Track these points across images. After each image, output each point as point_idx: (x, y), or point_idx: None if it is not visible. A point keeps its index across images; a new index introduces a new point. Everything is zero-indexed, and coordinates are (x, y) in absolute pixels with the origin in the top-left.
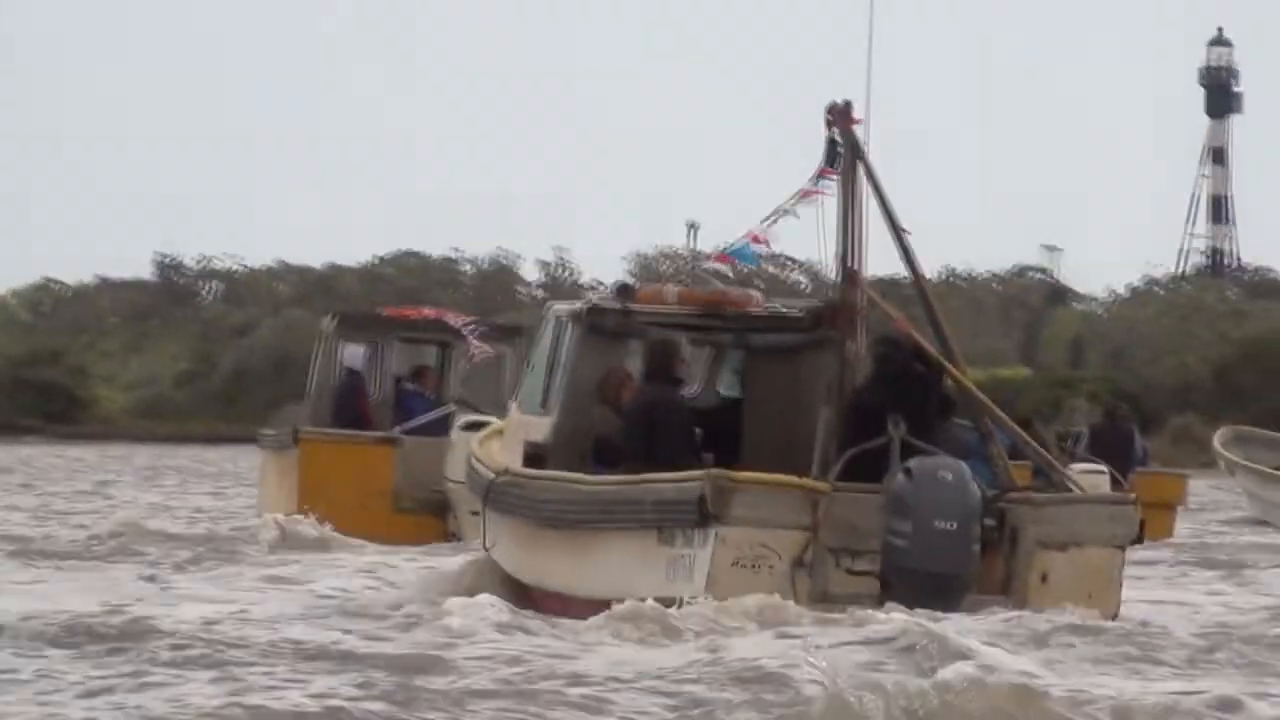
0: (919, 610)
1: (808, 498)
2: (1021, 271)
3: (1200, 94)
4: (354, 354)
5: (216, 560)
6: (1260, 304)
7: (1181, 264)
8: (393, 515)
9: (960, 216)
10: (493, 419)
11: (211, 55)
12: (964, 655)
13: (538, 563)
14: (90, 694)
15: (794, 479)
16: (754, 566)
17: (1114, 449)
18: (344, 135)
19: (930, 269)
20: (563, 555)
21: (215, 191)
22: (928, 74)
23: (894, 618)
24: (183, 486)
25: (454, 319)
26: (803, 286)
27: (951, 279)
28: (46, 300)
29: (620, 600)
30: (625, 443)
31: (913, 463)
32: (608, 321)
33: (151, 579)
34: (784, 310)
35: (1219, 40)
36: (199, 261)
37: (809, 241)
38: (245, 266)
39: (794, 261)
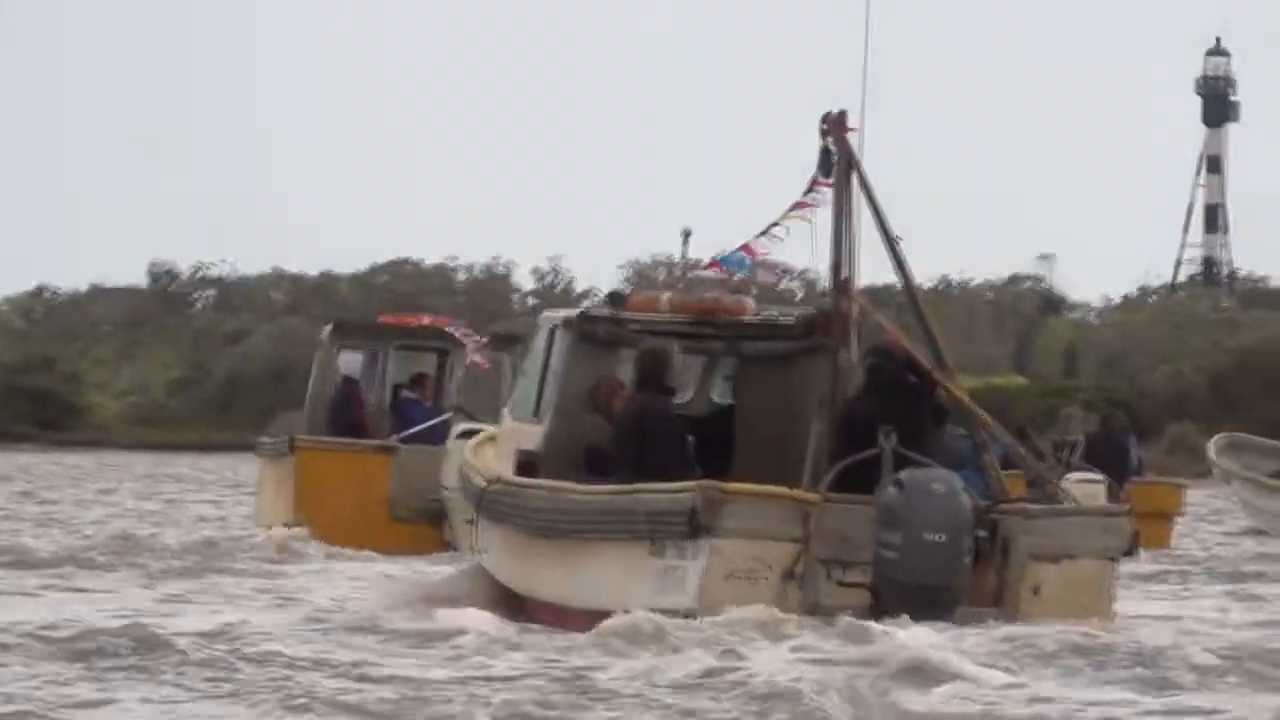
0: (917, 623)
1: (799, 509)
2: (1015, 280)
3: (1197, 103)
4: (350, 362)
5: (213, 571)
6: (1254, 313)
7: (1176, 273)
8: (388, 524)
9: (955, 225)
10: (488, 427)
11: (207, 62)
12: (965, 678)
13: (530, 572)
14: (88, 705)
15: (785, 490)
16: (745, 578)
17: (1109, 458)
18: (338, 142)
19: (924, 277)
20: (554, 565)
21: (209, 199)
22: (924, 80)
23: (897, 634)
24: (182, 494)
25: (452, 327)
26: (796, 295)
27: (945, 287)
28: (40, 307)
29: (612, 611)
30: (616, 451)
31: (903, 474)
32: (599, 329)
33: (150, 590)
34: (776, 318)
35: (1216, 50)
36: (193, 269)
37: (802, 250)
38: (239, 274)
39: (787, 270)
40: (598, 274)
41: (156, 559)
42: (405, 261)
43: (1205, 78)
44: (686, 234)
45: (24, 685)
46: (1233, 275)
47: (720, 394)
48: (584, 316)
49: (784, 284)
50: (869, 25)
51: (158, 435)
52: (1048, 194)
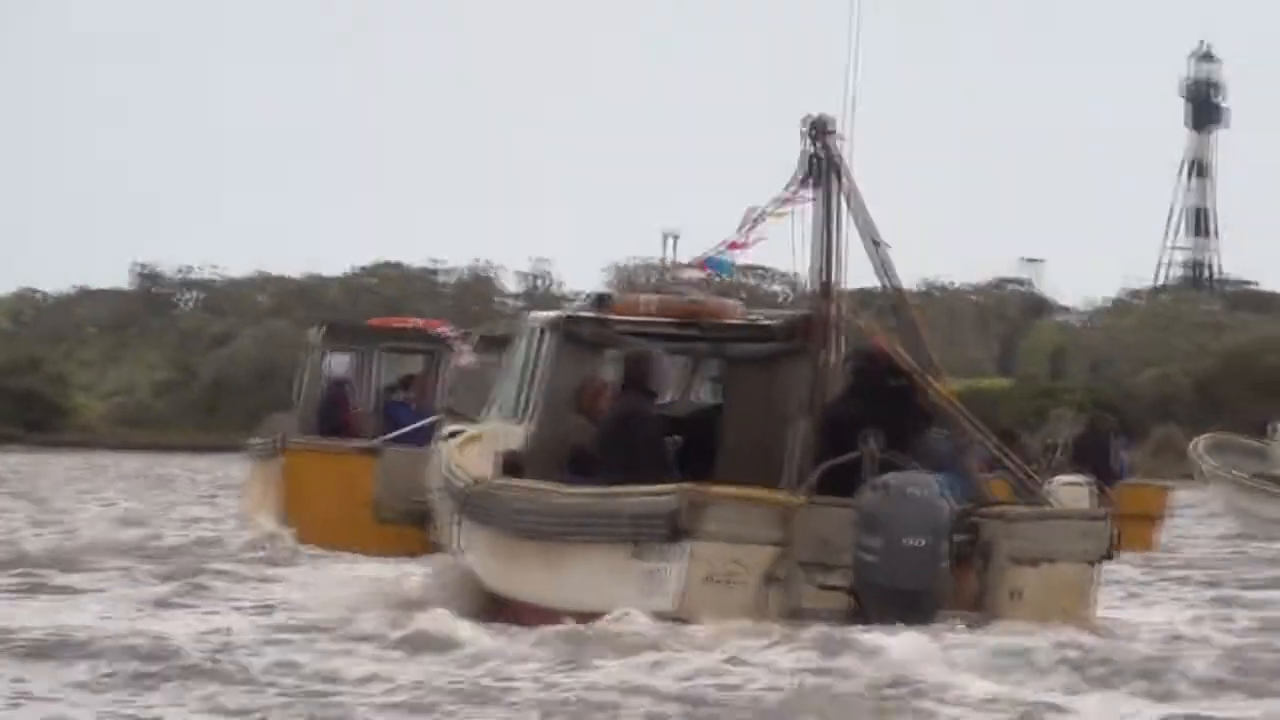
0: (903, 632)
1: (780, 512)
2: (1000, 283)
3: (1184, 107)
4: (339, 364)
5: (200, 572)
6: (1240, 316)
7: (1161, 276)
8: (374, 525)
9: (940, 228)
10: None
11: (190, 65)
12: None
13: (512, 573)
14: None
15: (766, 493)
16: (726, 581)
17: (1096, 460)
18: (324, 144)
19: (909, 281)
20: (537, 566)
21: (194, 201)
22: (910, 83)
23: (890, 644)
24: (171, 495)
25: (442, 329)
26: (782, 298)
27: (930, 290)
28: (26, 309)
29: (594, 613)
30: (600, 453)
31: (883, 478)
32: (585, 331)
33: (137, 592)
34: (761, 320)
35: (1203, 54)
36: (178, 271)
37: (787, 253)
38: (224, 276)
39: (773, 272)
40: (583, 277)
41: (144, 561)
42: (390, 264)
43: (1192, 82)
44: (671, 237)
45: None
46: (1220, 278)
47: (704, 395)
48: (570, 318)
49: (769, 286)
50: (855, 29)
51: (144, 436)
52: (1033, 197)
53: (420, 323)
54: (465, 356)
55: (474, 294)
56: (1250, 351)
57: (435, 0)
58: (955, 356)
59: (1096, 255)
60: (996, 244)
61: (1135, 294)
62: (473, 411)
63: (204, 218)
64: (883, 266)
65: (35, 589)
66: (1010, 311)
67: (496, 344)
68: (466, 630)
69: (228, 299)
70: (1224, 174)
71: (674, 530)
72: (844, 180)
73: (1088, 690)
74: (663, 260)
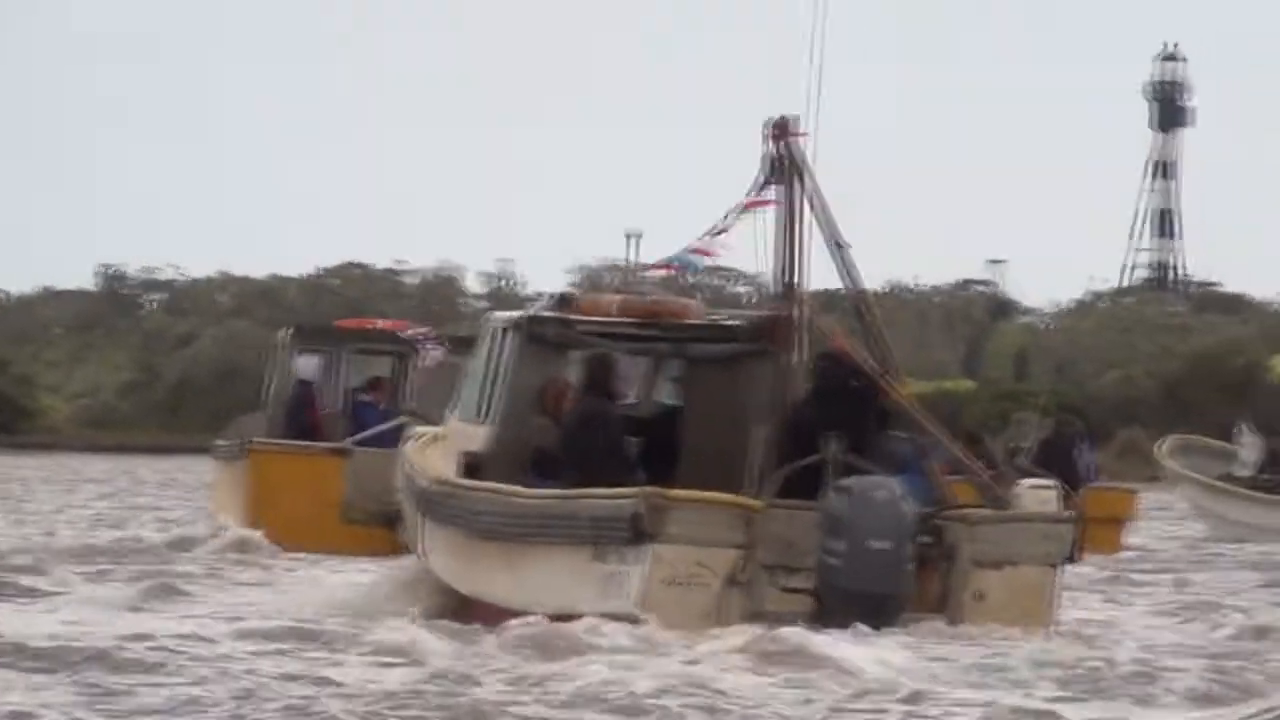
0: (863, 641)
1: (742, 516)
2: (965, 285)
3: (1149, 108)
4: (305, 365)
5: (169, 577)
6: (1205, 318)
7: (1126, 277)
8: (342, 526)
9: (905, 230)
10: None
11: (154, 67)
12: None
13: (474, 574)
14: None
15: (729, 497)
16: (687, 584)
17: (1060, 463)
18: (287, 144)
19: (874, 282)
20: (499, 567)
21: (159, 201)
22: (873, 85)
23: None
24: (144, 496)
25: (410, 331)
26: (746, 299)
27: (896, 292)
28: None
29: (556, 614)
30: (562, 455)
31: (847, 481)
32: (547, 331)
33: (106, 595)
34: (723, 321)
35: (1168, 55)
36: (142, 272)
37: (751, 254)
38: (187, 276)
39: (739, 275)
40: (547, 278)
41: (112, 563)
42: (354, 265)
43: (1157, 83)
44: (634, 237)
45: None
46: (1185, 280)
47: (667, 396)
48: (532, 319)
49: (733, 288)
50: (818, 29)
51: (109, 437)
52: (998, 199)
53: (388, 324)
54: (432, 358)
55: (438, 294)
56: (1216, 354)
57: (392, 3)
58: (921, 358)
59: (1061, 257)
60: (961, 245)
61: (1100, 296)
62: (439, 413)
63: (168, 218)
64: (845, 268)
65: (1, 589)
66: (975, 313)
67: (463, 344)
68: (425, 637)
69: (190, 300)
70: (1188, 175)
71: (636, 533)
72: (806, 181)
73: (1051, 695)
74: (627, 261)
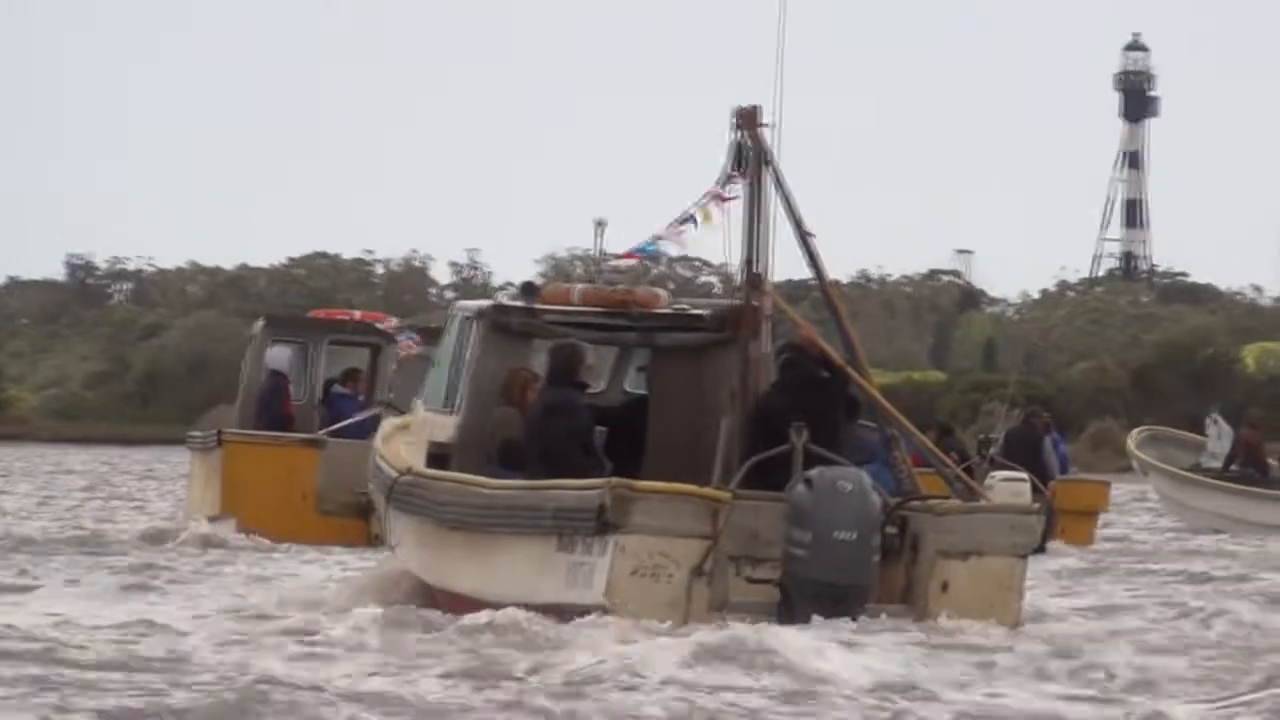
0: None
1: (708, 506)
2: (933, 274)
3: (1116, 99)
4: (278, 356)
5: (141, 569)
6: (1174, 308)
7: (1095, 268)
8: (316, 518)
9: (873, 219)
10: None
11: (120, 56)
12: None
13: (440, 564)
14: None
15: (694, 488)
16: (653, 575)
17: (1026, 455)
18: (254, 134)
19: (842, 272)
20: (465, 558)
21: (127, 191)
22: (841, 74)
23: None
24: (113, 487)
25: (384, 322)
26: (715, 289)
27: (865, 282)
28: None
29: (522, 605)
30: (526, 445)
31: (813, 472)
32: (512, 321)
33: (74, 587)
34: (689, 310)
35: (1135, 45)
36: (110, 262)
37: (717, 243)
38: (155, 267)
39: (706, 264)
40: (517, 267)
41: (85, 555)
42: (322, 255)
43: (1124, 73)
44: (600, 225)
45: None
46: (1152, 270)
47: (633, 385)
48: (497, 308)
49: (701, 278)
50: (783, 17)
51: (77, 428)
52: (966, 188)
53: (363, 316)
54: (407, 349)
55: (406, 284)
56: (1186, 343)
57: None
58: (891, 349)
59: (1031, 247)
60: (929, 235)
61: (1067, 285)
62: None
63: (137, 208)
64: (810, 257)
65: None
66: (944, 303)
67: (438, 336)
68: (387, 631)
69: (158, 290)
70: (1155, 165)
71: (601, 524)
72: (772, 170)
73: (1011, 682)
74: (596, 250)
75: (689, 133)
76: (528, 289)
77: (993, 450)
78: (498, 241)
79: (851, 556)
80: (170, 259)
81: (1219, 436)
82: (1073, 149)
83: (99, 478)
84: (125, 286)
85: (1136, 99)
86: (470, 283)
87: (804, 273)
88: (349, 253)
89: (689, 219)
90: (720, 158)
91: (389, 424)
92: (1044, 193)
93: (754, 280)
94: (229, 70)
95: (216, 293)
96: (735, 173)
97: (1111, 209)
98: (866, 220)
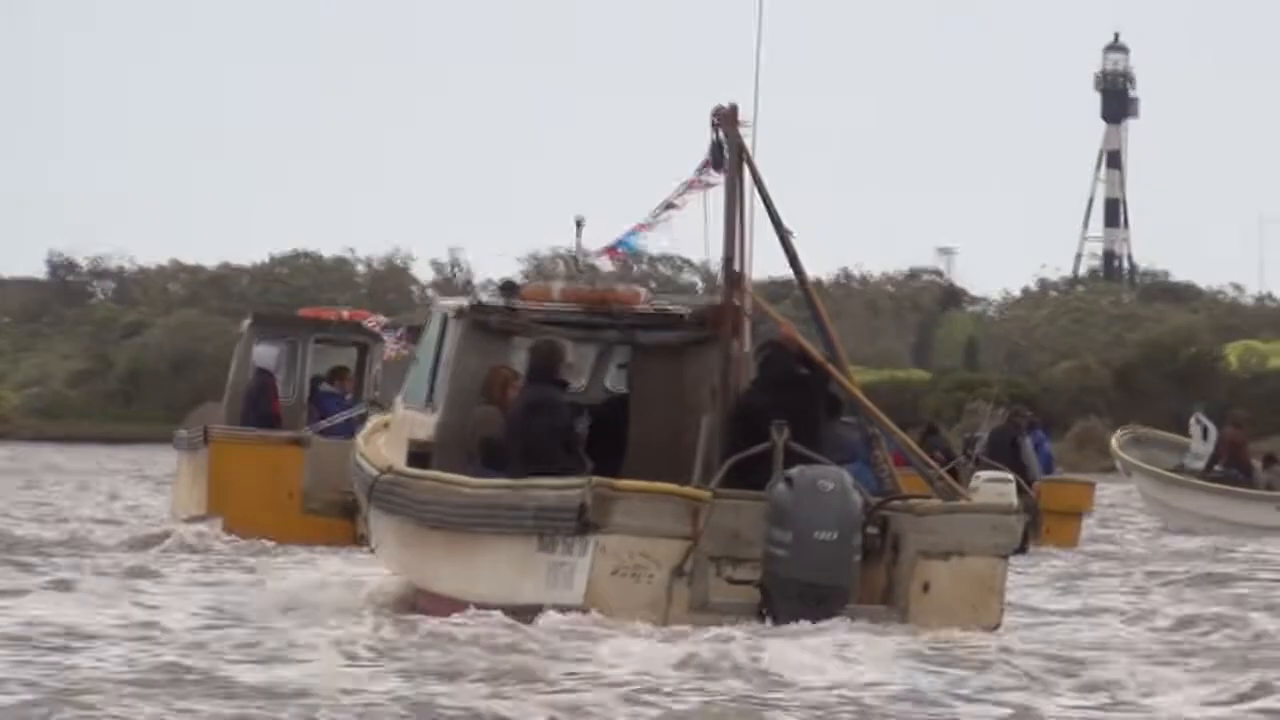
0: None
1: (688, 506)
2: (915, 274)
3: (1097, 99)
4: (265, 354)
5: (127, 570)
6: (1155, 307)
7: (1076, 267)
8: (301, 516)
9: (855, 217)
10: None
11: (102, 55)
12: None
13: (421, 564)
14: None
15: (675, 487)
16: (633, 575)
17: (1007, 455)
18: (236, 133)
19: (824, 270)
20: (445, 557)
21: (108, 190)
22: (822, 73)
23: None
24: (99, 486)
25: (371, 321)
26: (697, 287)
27: (846, 280)
28: None
29: (502, 605)
30: (507, 443)
31: (794, 471)
32: (493, 319)
33: (58, 588)
34: (670, 308)
35: (1115, 46)
36: (91, 260)
37: (698, 241)
38: (137, 265)
39: (687, 262)
40: (499, 265)
41: (68, 555)
42: (304, 254)
43: (1104, 73)
44: (579, 223)
45: None
46: (1133, 270)
47: (614, 383)
48: (477, 306)
49: (682, 276)
50: (762, 15)
51: (59, 427)
52: (948, 187)
53: (350, 314)
54: (393, 348)
55: (388, 283)
56: (1169, 343)
57: None
58: (872, 347)
59: (1012, 246)
60: (910, 234)
61: (1049, 285)
62: None
63: (119, 206)
64: (789, 255)
65: None
66: (926, 302)
67: (420, 334)
68: (366, 634)
69: (140, 288)
70: (1135, 164)
71: (582, 523)
72: (750, 169)
73: (1001, 686)
74: (576, 247)
75: (671, 132)
76: (508, 287)
77: (977, 449)
78: (480, 240)
79: (832, 556)
80: (151, 257)
81: (1204, 436)
82: (1053, 149)
83: (78, 477)
84: (107, 285)
85: (1116, 99)
86: (453, 281)
87: (785, 271)
88: (330, 251)
89: (669, 206)
90: (696, 157)
91: (371, 422)
92: (1025, 192)
93: (734, 279)
94: (212, 71)
95: (198, 291)
96: (713, 172)
97: (1092, 209)
98: (848, 218)
